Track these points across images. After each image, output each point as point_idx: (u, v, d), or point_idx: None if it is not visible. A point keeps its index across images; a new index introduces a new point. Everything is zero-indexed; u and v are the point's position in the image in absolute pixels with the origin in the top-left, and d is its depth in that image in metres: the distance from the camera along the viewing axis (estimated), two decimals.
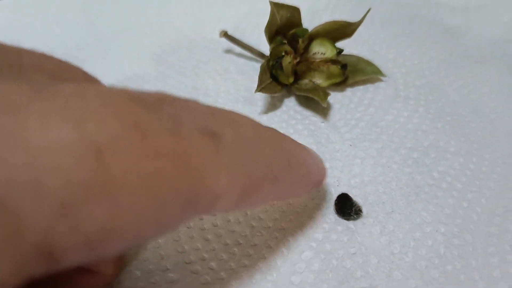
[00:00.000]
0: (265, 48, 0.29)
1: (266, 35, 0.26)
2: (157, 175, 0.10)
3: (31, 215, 0.09)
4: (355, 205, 0.21)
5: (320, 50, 0.27)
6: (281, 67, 0.25)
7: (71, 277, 0.15)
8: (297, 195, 0.18)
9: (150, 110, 0.11)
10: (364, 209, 0.21)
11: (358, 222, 0.20)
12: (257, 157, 0.14)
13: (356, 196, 0.21)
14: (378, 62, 0.29)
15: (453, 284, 0.18)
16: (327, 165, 0.23)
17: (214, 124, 0.13)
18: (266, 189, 0.14)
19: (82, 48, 0.32)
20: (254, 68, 0.30)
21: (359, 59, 0.28)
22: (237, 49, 0.31)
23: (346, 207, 0.21)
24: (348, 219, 0.20)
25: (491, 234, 0.20)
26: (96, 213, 0.09)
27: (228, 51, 0.31)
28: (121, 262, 0.18)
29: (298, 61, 0.27)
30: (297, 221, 0.20)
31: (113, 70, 0.30)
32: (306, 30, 0.27)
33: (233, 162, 0.13)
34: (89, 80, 0.16)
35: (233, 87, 0.28)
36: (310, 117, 0.26)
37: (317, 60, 0.26)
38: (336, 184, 0.22)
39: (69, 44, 0.32)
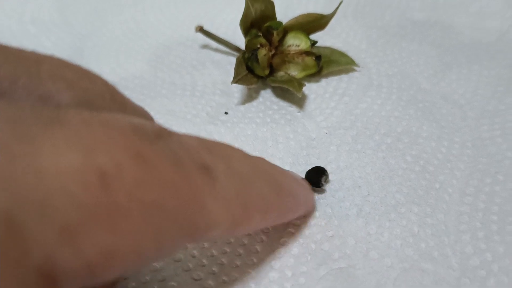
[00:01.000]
0: (241, 42, 0.29)
1: (241, 28, 0.27)
2: (159, 204, 0.11)
3: (36, 236, 0.09)
4: (325, 174, 0.22)
5: (295, 42, 0.27)
6: (256, 60, 0.26)
7: None
8: (285, 221, 0.19)
9: (151, 143, 0.12)
10: (341, 193, 0.21)
11: (335, 206, 0.21)
12: (249, 189, 0.15)
13: (333, 181, 0.22)
14: (351, 53, 0.30)
15: (427, 261, 0.19)
16: (304, 152, 0.23)
17: (208, 158, 0.13)
18: (256, 219, 0.15)
19: (59, 48, 0.32)
20: (230, 62, 0.30)
21: (333, 50, 0.29)
22: (213, 44, 0.31)
23: (318, 177, 0.21)
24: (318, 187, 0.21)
25: (462, 213, 0.21)
26: (99, 237, 0.10)
27: (205, 46, 0.32)
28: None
29: (273, 54, 0.27)
30: None
31: (91, 68, 0.30)
32: (281, 23, 0.27)
33: (227, 194, 0.13)
34: (109, 89, 0.16)
35: (210, 81, 0.29)
36: (286, 107, 0.26)
37: (292, 52, 0.27)
38: None
39: (46, 44, 0.32)
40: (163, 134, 0.12)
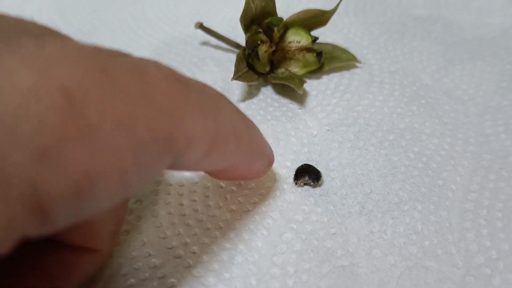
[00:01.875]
0: (241, 39, 0.29)
1: (241, 24, 0.26)
2: (131, 116, 0.11)
3: (13, 163, 0.09)
4: (314, 172, 0.21)
5: (296, 38, 0.27)
6: (257, 56, 0.26)
7: (69, 258, 0.15)
8: (255, 168, 0.19)
9: (113, 59, 0.11)
10: (343, 191, 0.21)
11: (338, 203, 0.20)
12: (221, 109, 0.14)
13: (335, 178, 0.22)
14: (353, 49, 0.29)
15: (431, 259, 0.18)
16: (305, 149, 0.23)
17: (180, 76, 0.13)
18: (231, 144, 0.15)
19: None
20: (230, 59, 0.30)
21: (334, 46, 0.29)
22: (213, 41, 0.31)
23: (300, 174, 0.21)
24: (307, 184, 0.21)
25: (466, 210, 0.20)
26: (77, 157, 0.09)
27: (205, 43, 0.31)
28: (116, 237, 0.18)
29: (273, 50, 0.27)
30: (275, 204, 0.20)
31: None
32: (281, 19, 0.27)
33: (203, 107, 0.13)
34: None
35: (210, 78, 0.28)
36: (287, 104, 0.26)
37: (293, 49, 0.27)
38: None
39: None
40: (128, 54, 0.12)
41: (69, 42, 0.11)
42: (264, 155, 0.18)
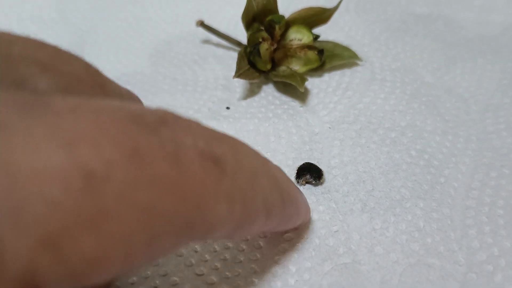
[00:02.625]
0: (242, 37, 0.29)
1: (243, 22, 0.26)
2: (152, 205, 0.10)
3: (13, 248, 0.08)
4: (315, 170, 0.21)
5: (297, 36, 0.27)
6: (258, 54, 0.26)
7: None
8: (282, 229, 0.18)
9: (150, 133, 0.10)
10: (345, 188, 0.21)
11: (340, 201, 0.20)
12: (256, 188, 0.13)
13: (337, 176, 0.22)
14: (354, 47, 0.29)
15: (433, 256, 0.18)
16: (307, 147, 0.23)
17: (217, 149, 0.12)
18: (259, 222, 0.14)
19: (59, 45, 0.31)
20: (232, 57, 0.30)
21: (336, 44, 0.29)
22: (215, 39, 0.31)
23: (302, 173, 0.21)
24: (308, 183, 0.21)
25: (468, 207, 0.20)
26: (83, 244, 0.09)
27: (206, 41, 0.31)
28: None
29: (275, 48, 0.27)
30: None
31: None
32: (283, 16, 0.27)
33: (233, 191, 0.12)
34: (89, 72, 0.14)
35: (211, 76, 0.28)
36: (288, 102, 0.26)
37: (294, 47, 0.27)
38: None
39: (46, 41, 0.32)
40: (167, 120, 0.11)
41: (106, 106, 0.10)
42: (295, 223, 0.17)
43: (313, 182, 0.21)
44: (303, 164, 0.22)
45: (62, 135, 0.09)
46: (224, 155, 0.12)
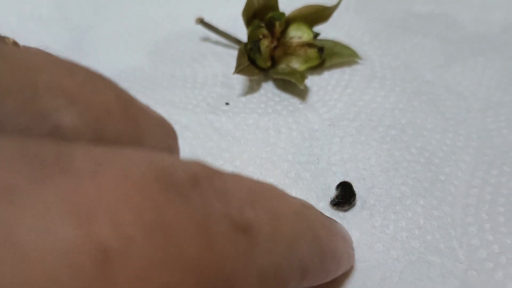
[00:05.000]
0: (242, 35, 0.29)
1: (243, 18, 0.26)
2: (172, 286, 0.08)
3: None
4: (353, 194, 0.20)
5: (297, 34, 0.27)
6: (259, 50, 0.25)
7: None
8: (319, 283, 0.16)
9: (178, 199, 0.09)
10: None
11: None
12: (291, 256, 0.12)
13: (337, 173, 0.21)
14: (354, 45, 0.29)
15: (433, 253, 0.18)
16: (306, 143, 0.23)
17: (252, 214, 0.10)
18: (292, 285, 0.12)
19: (58, 43, 0.31)
20: (231, 55, 0.30)
21: (336, 42, 0.28)
22: (214, 36, 0.31)
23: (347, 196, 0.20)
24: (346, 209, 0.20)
25: (469, 205, 0.20)
26: None
27: (205, 39, 0.31)
28: None
29: (275, 46, 0.27)
30: None
31: (90, 63, 0.29)
32: (283, 14, 0.27)
33: (263, 264, 0.10)
34: (121, 102, 0.12)
35: (211, 73, 0.28)
36: (288, 99, 0.26)
37: (294, 44, 0.27)
38: (316, 162, 0.22)
39: (45, 39, 0.32)
40: (200, 180, 0.10)
41: (133, 165, 0.09)
42: (333, 276, 0.16)
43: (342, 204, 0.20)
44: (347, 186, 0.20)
45: (79, 207, 0.08)
46: (259, 221, 0.10)
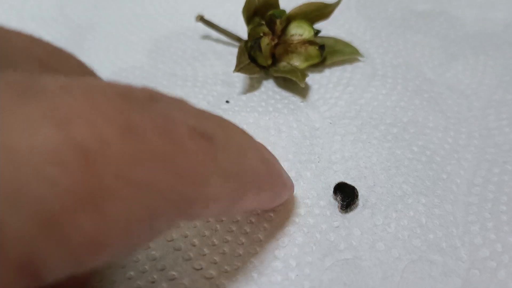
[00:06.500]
0: (242, 33, 0.28)
1: (244, 16, 0.26)
2: (150, 182, 0.10)
3: (12, 229, 0.08)
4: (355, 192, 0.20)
5: (298, 31, 0.27)
6: (259, 48, 0.25)
7: None
8: (271, 206, 0.18)
9: (141, 109, 0.10)
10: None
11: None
12: (246, 162, 0.13)
13: (338, 172, 0.21)
14: (355, 43, 0.29)
15: (435, 252, 0.18)
16: (307, 142, 0.23)
17: (207, 125, 0.12)
18: (251, 197, 0.14)
19: (58, 41, 0.31)
20: (231, 53, 0.29)
21: (337, 40, 0.28)
22: (214, 34, 0.31)
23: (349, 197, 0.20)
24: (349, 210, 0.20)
25: (471, 203, 0.20)
26: (85, 225, 0.09)
27: (206, 37, 0.31)
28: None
29: (276, 44, 0.26)
30: None
31: (90, 62, 0.29)
32: (284, 11, 0.27)
33: (226, 166, 0.12)
34: (83, 70, 0.14)
35: (211, 71, 0.28)
36: (289, 97, 0.26)
37: (295, 42, 0.26)
38: (317, 160, 0.22)
39: (45, 38, 0.31)
40: (156, 97, 0.11)
41: (96, 85, 0.10)
42: (282, 196, 0.18)
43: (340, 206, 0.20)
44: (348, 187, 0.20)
45: (58, 115, 0.09)
46: (214, 131, 0.12)
